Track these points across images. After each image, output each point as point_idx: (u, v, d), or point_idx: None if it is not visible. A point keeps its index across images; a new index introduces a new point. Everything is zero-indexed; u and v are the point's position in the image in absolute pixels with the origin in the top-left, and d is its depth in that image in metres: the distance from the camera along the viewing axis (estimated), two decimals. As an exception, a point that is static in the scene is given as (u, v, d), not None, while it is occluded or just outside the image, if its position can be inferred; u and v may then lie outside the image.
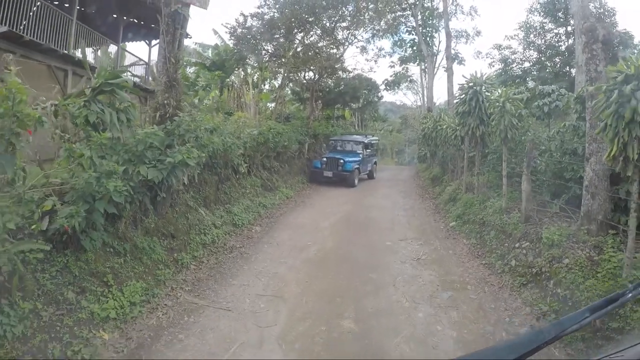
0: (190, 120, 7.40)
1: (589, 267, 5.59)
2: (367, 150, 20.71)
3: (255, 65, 21.50)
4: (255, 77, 22.75)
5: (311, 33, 19.98)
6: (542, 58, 24.18)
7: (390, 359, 4.55)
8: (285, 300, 6.26)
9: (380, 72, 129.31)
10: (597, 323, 4.89)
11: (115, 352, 4.79)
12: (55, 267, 5.07)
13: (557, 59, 23.63)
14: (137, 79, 16.78)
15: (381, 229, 10.84)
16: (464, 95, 11.09)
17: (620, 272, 5.16)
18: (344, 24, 20.26)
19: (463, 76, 11.49)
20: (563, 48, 23.30)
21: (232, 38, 19.18)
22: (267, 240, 9.38)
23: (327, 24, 19.46)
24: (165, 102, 7.71)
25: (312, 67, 20.52)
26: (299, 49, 19.75)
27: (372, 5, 19.90)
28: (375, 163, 22.62)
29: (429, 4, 31.85)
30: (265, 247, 8.88)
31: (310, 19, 18.60)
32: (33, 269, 4.75)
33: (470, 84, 10.87)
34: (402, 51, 34.81)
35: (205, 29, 69.95)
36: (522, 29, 24.63)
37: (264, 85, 24.09)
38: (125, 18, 18.43)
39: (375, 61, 31.16)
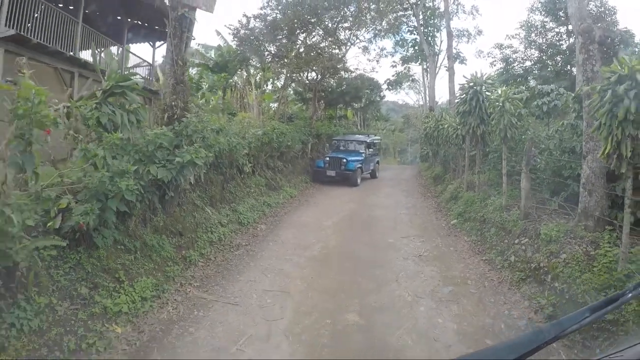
0: (198, 121, 7.60)
1: (586, 261, 5.76)
2: (370, 150, 20.89)
3: (258, 65, 21.68)
4: (257, 77, 22.94)
5: (313, 34, 20.16)
6: (544, 57, 24.24)
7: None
8: (291, 295, 6.44)
9: (383, 72, 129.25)
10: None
11: (128, 345, 4.95)
12: (68, 264, 5.25)
13: (558, 58, 23.69)
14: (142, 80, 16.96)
15: (384, 227, 11.00)
16: (464, 95, 11.27)
17: (616, 266, 5.31)
18: (345, 25, 20.39)
19: (464, 76, 11.67)
20: (564, 47, 23.37)
21: (235, 39, 19.34)
22: (272, 238, 9.57)
23: (329, 25, 19.60)
24: (173, 103, 7.91)
25: (314, 68, 20.65)
26: (301, 50, 19.92)
27: (373, 6, 20.02)
28: (377, 162, 22.78)
29: (430, 4, 31.99)
30: (271, 244, 9.07)
31: (312, 20, 18.76)
32: (47, 265, 4.92)
33: (471, 84, 11.04)
34: (404, 51, 35.02)
35: (207, 30, 70.12)
36: (523, 28, 24.70)
37: (267, 85, 24.28)
38: (129, 20, 18.64)
39: (377, 61, 31.37)
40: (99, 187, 5.45)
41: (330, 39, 20.35)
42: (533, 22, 24.38)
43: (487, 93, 10.63)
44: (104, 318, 5.13)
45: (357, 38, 22.08)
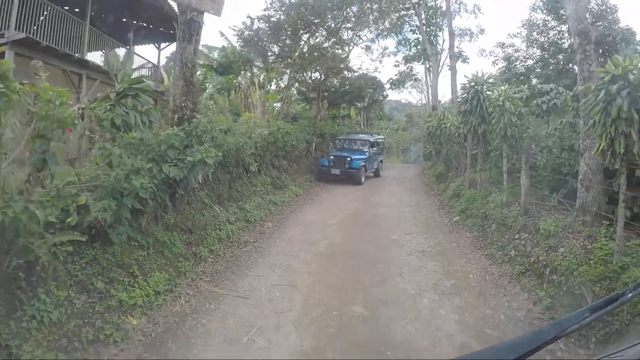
0: (207, 122, 7.84)
1: (583, 254, 5.97)
2: (373, 149, 21.08)
3: (261, 66, 21.89)
4: (261, 77, 23.15)
5: (317, 34, 20.36)
6: (546, 55, 24.22)
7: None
8: (299, 289, 6.68)
9: (385, 71, 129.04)
10: (589, 304, 5.29)
11: (143, 336, 5.17)
12: (84, 259, 5.51)
13: (560, 56, 23.70)
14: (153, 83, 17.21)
15: (387, 224, 11.22)
16: (465, 95, 11.49)
17: (611, 259, 5.51)
18: (348, 25, 20.57)
19: (465, 76, 11.87)
20: (566, 45, 23.40)
21: (240, 40, 19.57)
22: (278, 235, 9.81)
23: (332, 25, 19.78)
24: (183, 104, 8.16)
25: (318, 68, 20.85)
26: (304, 50, 20.14)
27: (376, 6, 20.20)
28: (381, 161, 22.98)
29: (433, 3, 32.07)
30: (277, 241, 9.31)
31: (315, 21, 18.96)
32: (64, 260, 5.14)
33: (472, 84, 11.25)
34: (406, 50, 35.12)
35: (210, 31, 70.39)
36: (525, 26, 24.68)
37: (270, 85, 24.48)
38: (135, 22, 18.94)
39: (380, 61, 31.78)
40: (115, 185, 5.70)
41: (333, 39, 20.52)
42: (535, 21, 24.38)
43: (487, 92, 10.81)
44: (119, 311, 5.35)
45: (360, 38, 22.31)
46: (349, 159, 18.35)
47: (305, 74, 21.80)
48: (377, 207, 13.43)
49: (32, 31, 11.76)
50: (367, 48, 24.52)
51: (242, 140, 10.50)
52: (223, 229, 8.96)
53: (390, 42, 69.90)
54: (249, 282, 6.92)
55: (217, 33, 51.41)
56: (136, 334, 5.19)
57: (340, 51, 21.62)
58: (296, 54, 19.95)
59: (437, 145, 20.07)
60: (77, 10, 15.22)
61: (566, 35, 23.41)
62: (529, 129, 10.40)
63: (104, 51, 17.62)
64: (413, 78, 39.96)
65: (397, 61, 36.04)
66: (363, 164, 18.86)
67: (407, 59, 35.54)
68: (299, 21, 18.55)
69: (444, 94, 40.38)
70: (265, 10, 19.40)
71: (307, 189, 16.45)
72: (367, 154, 19.81)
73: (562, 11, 22.48)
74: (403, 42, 34.46)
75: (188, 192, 8.25)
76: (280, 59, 20.58)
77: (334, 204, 13.77)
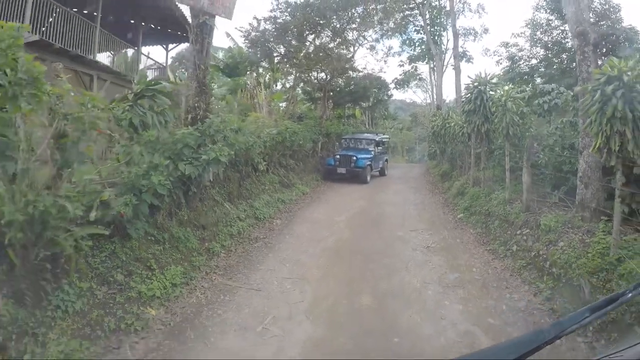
0: (220, 122, 8.15)
1: (581, 248, 6.22)
2: (379, 148, 21.32)
3: (267, 66, 22.16)
4: (267, 77, 23.42)
5: (322, 35, 20.59)
6: (549, 55, 24.28)
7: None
8: (309, 282, 6.98)
9: (390, 71, 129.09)
10: (587, 295, 5.57)
11: (162, 325, 5.46)
12: (104, 253, 5.80)
13: (563, 56, 23.75)
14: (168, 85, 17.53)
15: (393, 221, 11.48)
16: (469, 95, 11.75)
17: (608, 252, 5.75)
18: (353, 26, 20.77)
19: (468, 76, 12.12)
20: (569, 44, 23.48)
21: (247, 41, 19.84)
22: (287, 232, 10.11)
23: (337, 25, 19.99)
24: (196, 105, 8.49)
25: (323, 68, 21.08)
26: (310, 50, 20.41)
27: (380, 6, 20.42)
28: (386, 160, 23.16)
29: (437, 3, 32.19)
30: (287, 237, 9.61)
31: (321, 22, 19.21)
32: (84, 254, 5.40)
33: (475, 84, 11.51)
34: (411, 50, 35.31)
35: (216, 32, 70.67)
36: (528, 26, 24.77)
37: (276, 85, 24.74)
38: (143, 24, 19.23)
39: (385, 61, 31.92)
40: (134, 181, 6.01)
41: (338, 39, 20.77)
42: (538, 20, 24.45)
43: (490, 92, 11.08)
44: (139, 302, 5.64)
45: (365, 39, 22.51)
46: (354, 158, 18.58)
47: (310, 74, 22.01)
48: (383, 205, 13.70)
49: (41, 32, 12.06)
50: (372, 48, 24.56)
51: (252, 139, 10.81)
52: (234, 226, 9.25)
53: (395, 42, 69.98)
54: (260, 276, 7.22)
55: (222, 34, 51.71)
56: (155, 323, 5.46)
57: (345, 51, 21.85)
58: (302, 54, 20.22)
59: (442, 144, 20.26)
60: (85, 12, 15.55)
61: (569, 34, 23.51)
62: (531, 128, 10.62)
63: (112, 52, 17.97)
64: (417, 78, 40.11)
65: (401, 61, 36.29)
66: (369, 163, 19.08)
67: (412, 59, 35.76)
68: (305, 22, 18.79)
69: (449, 94, 40.48)
70: (271, 11, 19.82)
71: (314, 187, 16.72)
72: (372, 153, 20.01)
73: (565, 11, 22.52)
74: (407, 42, 34.68)
75: (200, 190, 8.55)
76: (285, 59, 20.84)
77: (341, 202, 14.03)
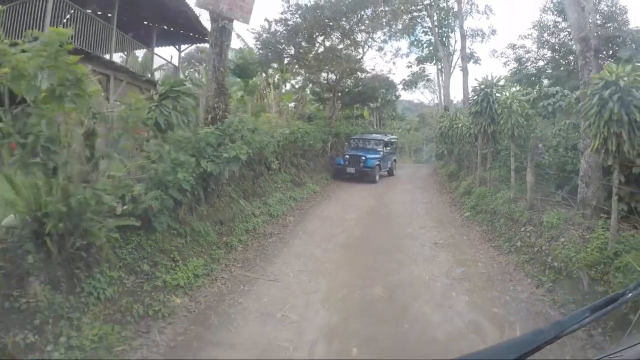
0: (238, 122, 8.58)
1: (581, 243, 6.57)
2: (387, 148, 21.62)
3: (276, 67, 22.52)
4: (276, 78, 23.80)
5: (331, 36, 20.97)
6: (556, 56, 24.37)
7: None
8: (323, 274, 7.38)
9: (398, 72, 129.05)
10: (585, 287, 5.94)
11: (188, 312, 5.84)
12: (130, 245, 6.19)
13: (570, 57, 23.82)
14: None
15: (402, 219, 11.85)
16: (476, 97, 12.11)
17: (606, 247, 6.10)
18: (362, 27, 21.06)
19: (475, 79, 12.53)
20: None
21: (258, 42, 20.24)
22: (300, 228, 10.52)
23: (347, 27, 20.31)
24: (216, 105, 8.92)
25: (332, 69, 21.42)
26: (319, 51, 20.79)
27: (389, 8, 20.80)
28: (394, 160, 23.45)
29: (445, 4, 32.34)
30: (300, 233, 10.03)
31: (330, 23, 19.54)
32: (112, 245, 5.78)
33: (482, 86, 11.87)
34: (419, 51, 35.50)
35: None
36: (535, 28, 24.87)
37: (285, 86, 25.11)
38: (157, 25, 19.71)
39: (394, 63, 32.32)
40: (161, 177, 6.43)
41: (347, 41, 21.13)
42: (545, 22, 24.54)
43: (497, 94, 11.42)
44: (164, 290, 6.03)
45: (374, 40, 22.76)
46: (363, 158, 18.88)
47: (320, 75, 22.36)
48: (392, 204, 14.08)
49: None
50: (381, 49, 24.82)
51: (267, 139, 11.23)
52: (249, 222, 9.66)
53: (403, 44, 70.35)
54: (277, 268, 7.63)
55: (233, 35, 51.97)
56: (181, 310, 5.85)
57: (354, 53, 22.18)
58: (311, 55, 20.59)
59: (449, 145, 20.51)
60: (99, 13, 16.03)
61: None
62: (536, 129, 10.90)
63: (126, 52, 18.46)
64: (425, 79, 40.27)
65: (409, 62, 36.69)
66: (377, 162, 19.38)
67: (420, 60, 35.90)
68: (315, 24, 19.16)
69: (456, 94, 40.56)
70: (282, 13, 20.05)
71: (324, 186, 17.08)
72: (381, 153, 20.30)
73: (571, 14, 22.63)
74: (415, 43, 34.88)
75: (218, 187, 8.97)
76: (295, 60, 21.22)
77: (350, 201, 14.41)
